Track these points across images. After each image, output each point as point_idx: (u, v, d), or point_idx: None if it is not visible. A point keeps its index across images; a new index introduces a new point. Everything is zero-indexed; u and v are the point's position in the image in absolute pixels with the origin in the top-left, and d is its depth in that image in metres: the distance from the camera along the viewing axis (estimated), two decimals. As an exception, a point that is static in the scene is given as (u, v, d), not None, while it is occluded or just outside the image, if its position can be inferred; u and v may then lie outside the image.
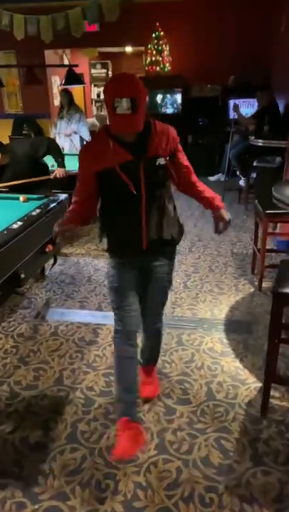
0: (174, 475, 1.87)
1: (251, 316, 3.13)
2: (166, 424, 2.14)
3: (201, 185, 2.10)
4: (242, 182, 6.04)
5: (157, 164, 1.82)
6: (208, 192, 2.09)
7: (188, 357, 2.66)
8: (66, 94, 5.77)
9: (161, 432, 2.09)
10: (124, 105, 1.60)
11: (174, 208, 2.03)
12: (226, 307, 3.27)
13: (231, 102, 7.28)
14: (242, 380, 2.45)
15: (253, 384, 2.41)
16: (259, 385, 2.37)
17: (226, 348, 2.76)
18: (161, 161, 1.84)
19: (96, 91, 9.94)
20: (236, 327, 3.00)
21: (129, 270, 1.98)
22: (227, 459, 1.94)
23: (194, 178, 2.09)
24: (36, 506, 1.74)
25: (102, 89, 9.73)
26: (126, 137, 1.76)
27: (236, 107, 5.91)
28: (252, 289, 3.53)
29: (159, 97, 7.71)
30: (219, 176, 7.29)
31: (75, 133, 5.86)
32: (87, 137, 5.75)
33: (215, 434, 2.08)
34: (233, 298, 3.41)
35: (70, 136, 5.89)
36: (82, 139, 5.79)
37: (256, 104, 6.18)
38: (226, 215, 2.11)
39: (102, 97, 9.68)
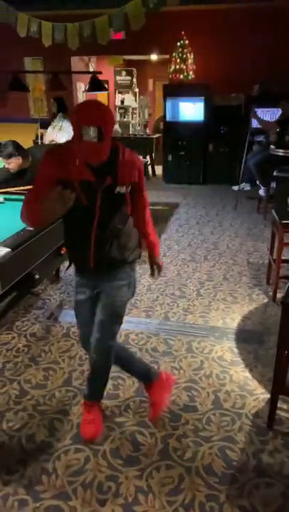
0: (176, 481, 1.86)
1: (263, 327, 3.10)
2: (170, 430, 2.14)
3: (150, 227, 2.16)
4: (262, 191, 6.01)
5: (116, 192, 1.84)
6: (154, 237, 2.19)
7: (197, 364, 2.66)
8: (55, 102, 5.72)
9: (166, 437, 2.09)
10: (91, 134, 1.61)
11: (130, 230, 2.01)
12: (238, 316, 3.25)
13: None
14: (250, 391, 2.42)
15: (261, 395, 2.39)
16: (267, 396, 2.35)
17: (236, 357, 2.74)
18: (122, 189, 1.85)
19: (120, 98, 10.06)
20: (248, 337, 2.97)
21: (85, 293, 2.05)
22: (230, 469, 1.92)
23: (147, 217, 2.13)
24: (38, 504, 1.76)
25: (126, 96, 9.84)
26: (92, 163, 1.78)
27: (254, 113, 5.93)
28: (266, 300, 3.50)
29: (181, 105, 7.75)
30: (243, 186, 7.26)
31: (53, 141, 5.82)
32: None
33: (220, 442, 2.06)
34: (246, 307, 3.39)
35: (51, 143, 5.85)
36: None
37: (280, 113, 6.14)
38: (160, 261, 2.28)
39: (126, 103, 9.79)
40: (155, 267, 2.27)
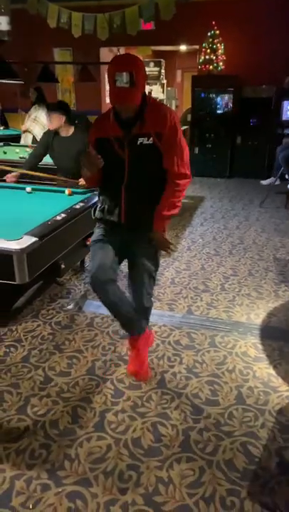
0: (196, 474, 1.86)
1: (289, 324, 3.05)
2: (192, 423, 2.14)
3: (166, 198, 2.07)
4: (290, 186, 5.88)
5: (139, 144, 1.92)
6: (162, 207, 2.07)
7: (220, 359, 2.64)
8: (34, 92, 5.57)
9: (187, 430, 2.09)
10: (123, 79, 1.75)
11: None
12: (263, 312, 3.20)
13: (285, 104, 7.11)
14: (274, 387, 2.39)
15: (285, 392, 2.36)
16: (291, 393, 2.32)
17: (260, 353, 2.71)
18: (145, 140, 1.91)
19: (148, 89, 10.01)
20: (272, 333, 2.93)
21: (113, 237, 2.16)
22: (252, 465, 1.91)
23: (168, 186, 2.06)
24: (60, 489, 1.80)
25: (154, 87, 9.77)
26: (123, 113, 1.90)
27: None
28: (292, 296, 3.44)
29: (210, 97, 7.64)
30: (272, 180, 7.12)
31: (26, 131, 5.71)
32: (38, 137, 5.12)
33: (242, 438, 2.05)
34: (271, 304, 3.33)
35: (25, 133, 5.78)
36: (34, 139, 5.48)
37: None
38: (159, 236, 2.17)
39: (153, 95, 9.72)
40: (154, 242, 2.17)
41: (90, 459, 1.93)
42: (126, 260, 2.33)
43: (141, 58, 1.88)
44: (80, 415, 2.19)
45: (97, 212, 2.24)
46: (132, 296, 2.34)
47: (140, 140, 1.92)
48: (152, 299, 2.42)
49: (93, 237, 2.26)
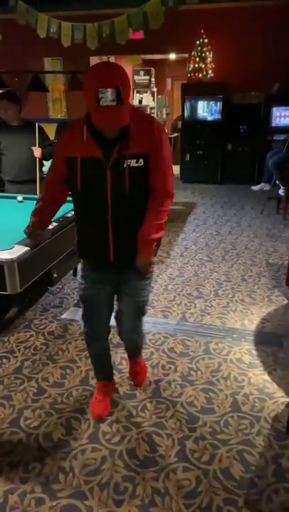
0: (193, 484, 1.84)
1: (283, 329, 3.05)
2: (187, 432, 2.12)
3: (151, 218, 1.77)
4: (281, 191, 5.92)
5: (124, 167, 1.63)
6: (147, 230, 1.76)
7: (214, 366, 2.62)
8: None
9: (183, 439, 2.07)
10: (108, 96, 1.45)
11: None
12: (257, 318, 3.20)
13: (274, 110, 7.19)
14: (269, 394, 2.38)
15: (280, 398, 2.35)
16: (287, 399, 2.31)
17: (255, 359, 2.70)
18: (132, 163, 1.63)
19: (138, 97, 10.06)
20: (267, 339, 2.92)
21: (102, 285, 1.93)
22: (249, 473, 1.89)
23: (153, 203, 1.78)
24: (54, 503, 1.77)
25: (144, 95, 9.81)
26: (108, 133, 1.60)
27: None
28: (285, 301, 3.44)
29: (199, 104, 7.70)
30: (262, 186, 7.17)
31: None
32: None
33: (238, 446, 2.03)
34: (265, 309, 3.34)
35: None
36: None
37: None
38: (144, 260, 1.84)
39: (144, 103, 9.77)
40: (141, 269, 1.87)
41: (84, 472, 1.90)
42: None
43: (125, 68, 1.55)
44: (74, 427, 2.16)
45: (77, 246, 1.93)
46: (120, 331, 2.22)
47: (128, 162, 1.63)
48: (143, 331, 2.31)
49: (80, 287, 1.99)
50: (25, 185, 3.71)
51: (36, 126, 3.63)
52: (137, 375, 2.47)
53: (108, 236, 1.76)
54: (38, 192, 3.69)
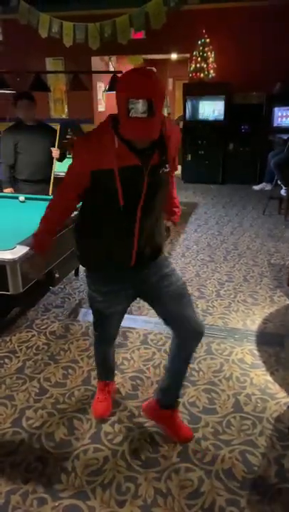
0: (195, 484, 1.84)
1: (285, 329, 3.04)
2: (190, 432, 2.11)
3: (176, 198, 2.06)
4: (283, 192, 5.91)
5: (161, 172, 1.62)
6: (178, 205, 2.06)
7: (216, 366, 2.62)
8: None
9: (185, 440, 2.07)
10: (139, 108, 1.37)
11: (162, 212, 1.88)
12: (259, 318, 3.20)
13: (276, 110, 7.19)
14: (271, 394, 2.38)
15: (283, 399, 2.34)
16: (289, 400, 2.31)
17: (257, 360, 2.69)
18: (164, 169, 1.63)
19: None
20: (269, 339, 2.92)
21: (113, 291, 1.85)
22: (251, 474, 1.89)
23: (175, 190, 2.04)
24: (56, 503, 1.76)
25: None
26: (138, 144, 1.54)
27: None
28: (287, 302, 3.44)
29: (201, 104, 7.69)
30: (264, 185, 7.17)
31: None
32: None
33: (240, 446, 2.03)
34: (267, 309, 3.33)
35: None
36: None
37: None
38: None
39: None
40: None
41: (86, 472, 1.90)
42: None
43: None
44: (77, 427, 2.15)
45: (87, 260, 1.86)
46: (185, 330, 1.88)
47: (162, 169, 1.61)
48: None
49: (93, 301, 1.94)
50: (39, 184, 3.76)
51: (58, 127, 3.73)
52: (179, 429, 2.08)
53: (132, 245, 1.69)
54: (50, 192, 3.74)
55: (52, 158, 3.71)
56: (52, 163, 3.76)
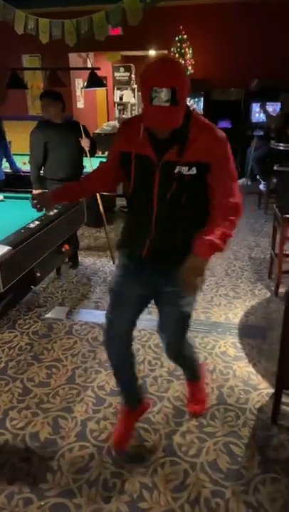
0: (180, 477, 1.86)
1: (266, 322, 3.09)
2: (174, 426, 2.13)
3: (217, 226, 1.61)
4: (262, 186, 5.98)
5: (176, 172, 1.54)
6: (210, 236, 1.57)
7: (200, 360, 2.64)
8: None
9: (170, 433, 2.09)
10: (162, 96, 1.37)
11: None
12: (240, 311, 3.24)
13: (254, 106, 7.26)
14: (254, 386, 2.42)
15: (265, 390, 2.38)
16: (271, 391, 2.34)
17: (239, 352, 2.73)
18: (184, 170, 1.53)
19: (119, 94, 10.02)
20: (251, 332, 2.96)
21: (131, 274, 1.80)
22: (235, 465, 1.91)
23: (219, 214, 1.63)
24: (42, 503, 1.76)
25: (124, 92, 9.78)
26: (159, 133, 1.54)
27: (264, 107, 5.93)
28: (268, 295, 3.49)
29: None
30: (243, 181, 7.24)
31: None
32: None
33: (224, 438, 2.06)
34: (248, 302, 3.37)
35: None
36: None
37: (279, 107, 6.12)
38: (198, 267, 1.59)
39: (124, 99, 9.73)
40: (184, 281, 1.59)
41: (72, 470, 1.90)
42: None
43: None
44: (61, 425, 2.15)
45: (120, 239, 1.88)
46: (165, 348, 1.97)
47: (178, 169, 1.54)
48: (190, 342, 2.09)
49: (112, 279, 1.93)
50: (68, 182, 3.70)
51: (81, 125, 3.76)
52: (192, 399, 2.24)
53: (147, 234, 1.69)
54: None
55: (82, 156, 3.74)
56: (82, 161, 3.80)
